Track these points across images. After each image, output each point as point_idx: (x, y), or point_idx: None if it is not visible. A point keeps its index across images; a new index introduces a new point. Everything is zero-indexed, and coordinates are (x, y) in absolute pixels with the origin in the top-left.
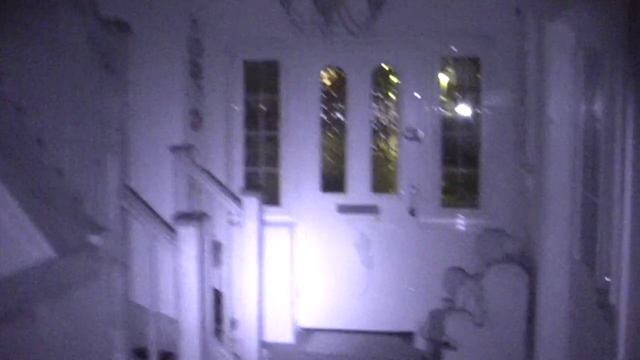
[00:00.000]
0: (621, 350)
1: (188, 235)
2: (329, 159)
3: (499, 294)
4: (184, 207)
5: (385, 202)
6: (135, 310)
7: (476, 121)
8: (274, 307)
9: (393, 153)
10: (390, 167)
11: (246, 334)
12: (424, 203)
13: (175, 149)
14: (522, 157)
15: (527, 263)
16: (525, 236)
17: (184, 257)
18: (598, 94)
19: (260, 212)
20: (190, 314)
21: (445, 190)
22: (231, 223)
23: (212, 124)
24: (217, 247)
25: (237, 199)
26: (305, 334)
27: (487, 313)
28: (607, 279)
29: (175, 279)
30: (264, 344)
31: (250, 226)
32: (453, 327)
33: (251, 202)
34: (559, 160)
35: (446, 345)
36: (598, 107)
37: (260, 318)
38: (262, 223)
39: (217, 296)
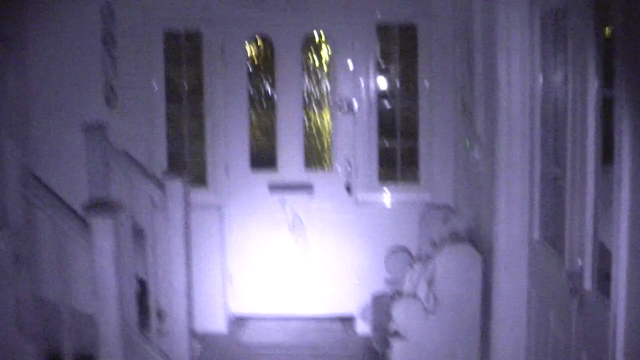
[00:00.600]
0: (619, 339)
1: (102, 227)
2: (258, 135)
3: (451, 278)
4: (100, 194)
5: (320, 179)
6: (50, 311)
7: (415, 91)
8: (205, 296)
9: (327, 127)
10: (324, 141)
11: (175, 327)
12: (361, 179)
13: (88, 128)
14: (469, 127)
15: (478, 242)
16: (475, 213)
17: (99, 252)
18: (562, 58)
19: (186, 195)
20: (108, 313)
21: (384, 165)
22: (154, 208)
23: (130, 100)
24: (139, 234)
25: (160, 182)
26: (240, 322)
27: (438, 298)
28: (579, 262)
29: (91, 276)
30: (195, 336)
31: (175, 211)
32: (402, 315)
33: (175, 186)
34: (512, 129)
35: (395, 334)
36: (562, 73)
37: (189, 309)
38: (188, 207)
39: (143, 287)
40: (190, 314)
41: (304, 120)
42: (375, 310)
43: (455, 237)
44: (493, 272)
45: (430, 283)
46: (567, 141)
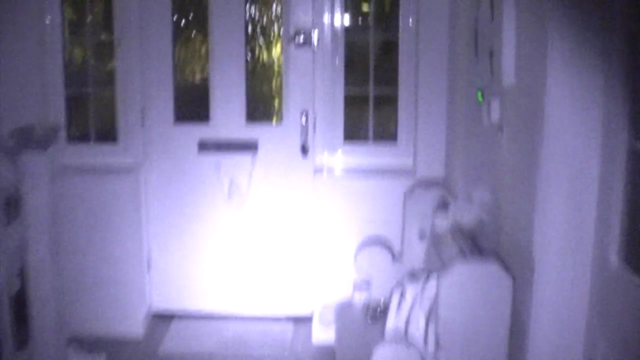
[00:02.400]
0: None
1: None
2: (187, 76)
3: (462, 312)
4: None
5: (267, 135)
6: None
7: (395, 20)
8: (115, 287)
9: (277, 66)
10: (273, 85)
11: (41, 338)
12: (321, 136)
13: None
14: (484, 73)
15: (499, 249)
16: (491, 200)
17: None
18: None
19: (51, 176)
20: None
21: (351, 119)
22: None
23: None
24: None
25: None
26: (161, 322)
27: (442, 342)
28: None
29: None
30: (97, 344)
31: (34, 199)
32: None
33: (34, 163)
34: (570, 75)
35: None
36: None
37: (58, 314)
38: (51, 184)
39: None
40: (60, 320)
41: (246, 56)
42: (340, 334)
43: (459, 234)
44: (530, 310)
45: (430, 316)
46: None
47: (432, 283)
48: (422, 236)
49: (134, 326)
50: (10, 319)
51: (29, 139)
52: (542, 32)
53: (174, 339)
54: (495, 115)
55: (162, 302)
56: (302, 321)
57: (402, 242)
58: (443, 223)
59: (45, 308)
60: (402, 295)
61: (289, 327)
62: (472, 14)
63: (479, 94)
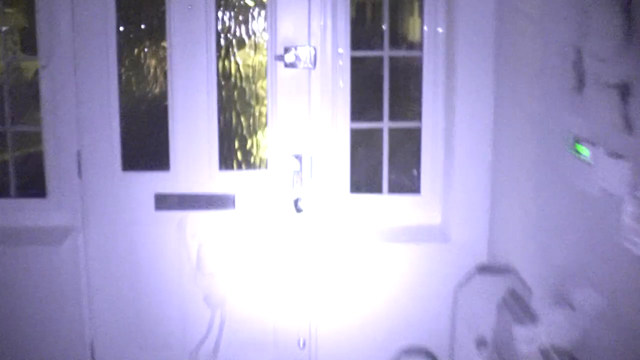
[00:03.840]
0: None
1: None
2: (138, 107)
3: None
4: None
5: (247, 186)
6: None
7: (419, 30)
8: None
9: (261, 94)
10: (255, 118)
11: None
12: (319, 187)
13: None
14: (603, 118)
15: None
16: (606, 308)
17: None
18: None
19: None
20: None
21: (359, 163)
22: None
23: None
24: None
25: None
26: None
27: None
28: None
29: None
30: None
31: None
32: None
33: None
34: None
35: None
36: None
37: None
38: None
39: None
40: None
41: (219, 80)
42: None
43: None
44: None
45: None
46: None
47: None
48: (481, 343)
49: None
50: None
51: None
52: None
53: None
54: (621, 187)
55: None
56: None
57: (451, 348)
58: (530, 341)
59: None
60: None
61: None
62: (570, 28)
63: (580, 146)
